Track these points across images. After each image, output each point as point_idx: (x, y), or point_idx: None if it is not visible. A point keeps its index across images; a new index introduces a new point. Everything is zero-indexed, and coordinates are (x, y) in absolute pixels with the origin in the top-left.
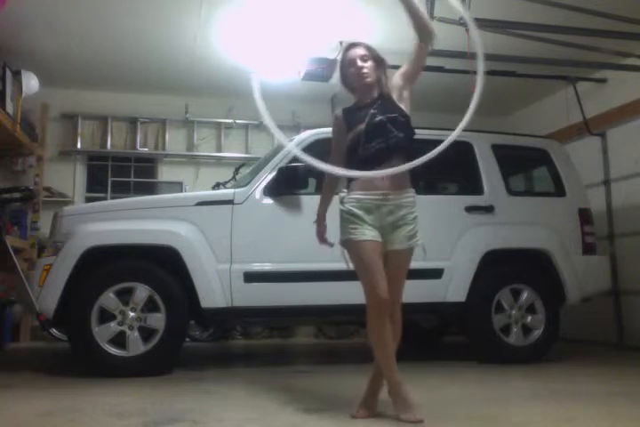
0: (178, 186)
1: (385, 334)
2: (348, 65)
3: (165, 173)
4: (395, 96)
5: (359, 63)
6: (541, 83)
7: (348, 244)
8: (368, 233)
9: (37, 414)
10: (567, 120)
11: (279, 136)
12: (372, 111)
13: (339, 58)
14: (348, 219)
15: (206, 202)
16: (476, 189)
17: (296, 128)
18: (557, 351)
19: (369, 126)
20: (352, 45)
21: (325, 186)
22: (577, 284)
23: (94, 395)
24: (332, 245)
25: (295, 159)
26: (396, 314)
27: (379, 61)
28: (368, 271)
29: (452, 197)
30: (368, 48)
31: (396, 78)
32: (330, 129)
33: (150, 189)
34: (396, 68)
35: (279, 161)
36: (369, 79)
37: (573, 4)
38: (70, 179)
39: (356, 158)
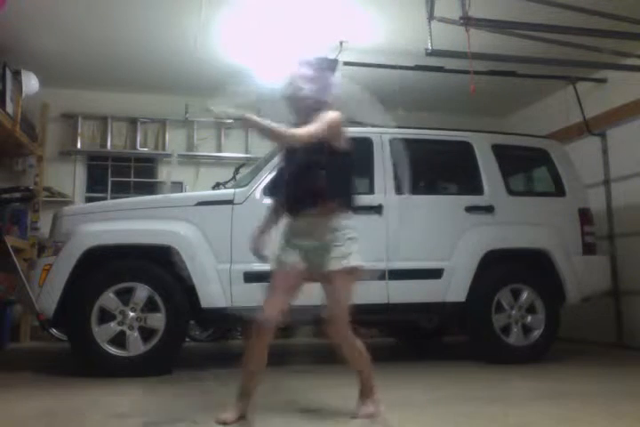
0: (178, 186)
1: (252, 352)
2: (291, 82)
3: (165, 173)
4: None
5: (300, 84)
6: (541, 83)
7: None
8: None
9: (37, 413)
10: (567, 120)
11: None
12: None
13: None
14: None
15: (206, 202)
16: (475, 189)
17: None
18: (557, 351)
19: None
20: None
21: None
22: (577, 284)
23: (94, 395)
24: (266, 258)
25: None
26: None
27: (323, 86)
28: None
29: (452, 197)
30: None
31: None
32: None
33: (150, 189)
34: (395, 67)
35: (279, 161)
36: (308, 101)
37: (573, 4)
38: (70, 179)
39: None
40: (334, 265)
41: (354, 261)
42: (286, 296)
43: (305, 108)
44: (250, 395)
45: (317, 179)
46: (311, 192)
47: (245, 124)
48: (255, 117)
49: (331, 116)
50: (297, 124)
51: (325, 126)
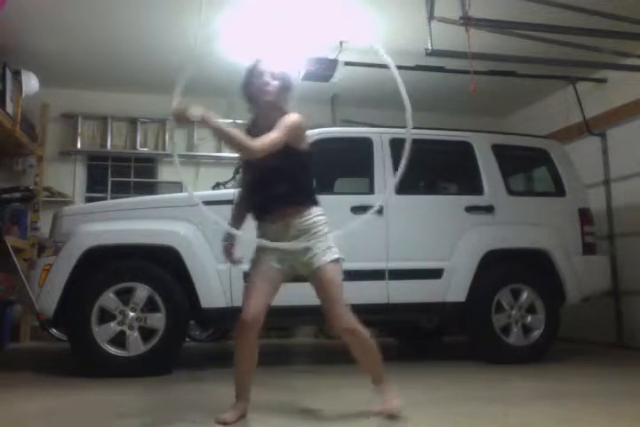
0: (178, 186)
1: (241, 352)
2: (255, 76)
3: (165, 173)
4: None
5: (266, 78)
6: (541, 83)
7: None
8: None
9: (38, 413)
10: (567, 120)
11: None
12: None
13: (259, 66)
14: None
15: (206, 202)
16: (476, 189)
17: None
18: (557, 351)
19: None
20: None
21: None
22: (577, 284)
23: (94, 395)
24: (239, 261)
25: None
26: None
27: (286, 86)
28: None
29: (452, 197)
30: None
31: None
32: (332, 129)
33: (150, 189)
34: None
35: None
36: (269, 97)
37: (573, 4)
38: (70, 179)
39: None
40: (319, 260)
41: (335, 254)
42: (265, 296)
43: (265, 104)
44: (246, 395)
45: (287, 183)
46: (283, 197)
47: (202, 124)
48: (215, 120)
49: (291, 119)
50: (255, 117)
51: (286, 132)
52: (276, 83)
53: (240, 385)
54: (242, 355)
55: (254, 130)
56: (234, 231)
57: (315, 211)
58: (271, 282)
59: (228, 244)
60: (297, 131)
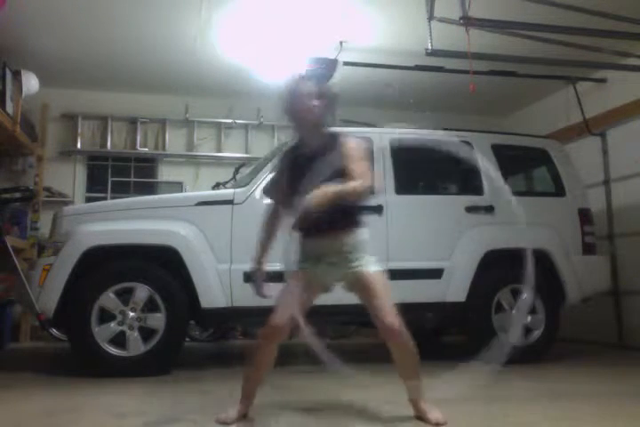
0: (178, 186)
1: (261, 355)
2: (296, 98)
3: (165, 173)
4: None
5: (308, 101)
6: (541, 83)
7: None
8: None
9: (37, 414)
10: (567, 120)
11: None
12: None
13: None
14: None
15: (206, 202)
16: (476, 189)
17: None
18: (557, 351)
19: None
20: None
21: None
22: (577, 284)
23: (94, 395)
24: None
25: None
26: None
27: (329, 103)
28: None
29: (452, 197)
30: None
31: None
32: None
33: (150, 189)
34: (395, 67)
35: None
36: (314, 119)
37: (573, 4)
38: (70, 179)
39: None
40: (366, 268)
41: (379, 267)
42: (299, 304)
43: (310, 125)
44: (252, 396)
45: (343, 204)
46: (337, 216)
47: (318, 207)
48: (324, 191)
49: (359, 148)
50: (301, 138)
51: (364, 161)
52: (318, 103)
53: (248, 386)
54: (260, 358)
55: (300, 151)
56: (263, 268)
57: (362, 231)
58: (308, 289)
59: (259, 278)
60: (365, 156)
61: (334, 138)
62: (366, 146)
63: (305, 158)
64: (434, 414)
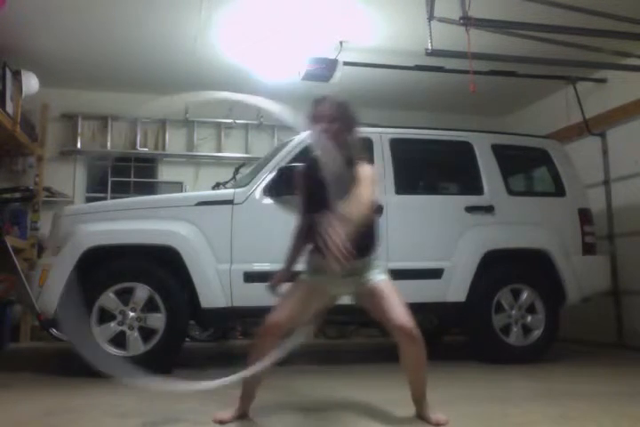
0: (178, 186)
1: (256, 354)
2: (315, 120)
3: (165, 173)
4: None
5: (324, 123)
6: (541, 83)
7: None
8: None
9: (37, 414)
10: (567, 120)
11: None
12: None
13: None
14: None
15: (206, 202)
16: (476, 189)
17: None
18: (557, 351)
19: None
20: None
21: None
22: (577, 284)
23: (94, 395)
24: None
25: (295, 159)
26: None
27: (346, 124)
28: None
29: (452, 197)
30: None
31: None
32: None
33: (150, 189)
34: (395, 67)
35: (279, 161)
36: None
37: (573, 4)
38: (70, 179)
39: None
40: (376, 278)
41: (385, 275)
42: (299, 308)
43: (337, 141)
44: (252, 396)
45: (370, 233)
46: (364, 246)
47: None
48: (345, 225)
49: (371, 174)
50: (320, 157)
51: (373, 187)
52: (334, 126)
53: (247, 386)
54: (256, 355)
55: (317, 170)
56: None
57: (376, 254)
58: (311, 297)
59: (278, 280)
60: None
61: (351, 161)
62: (375, 174)
63: (321, 178)
64: (435, 414)
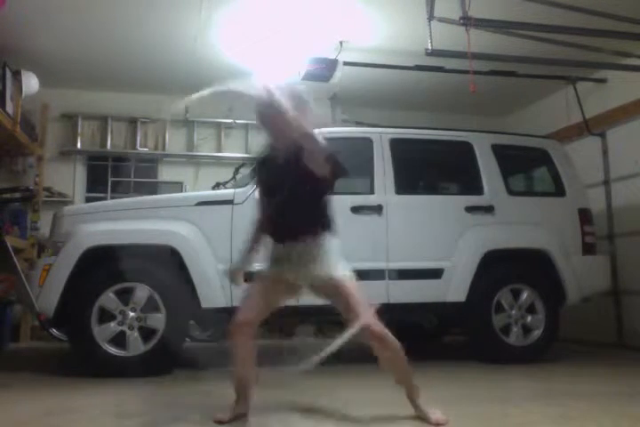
0: (178, 186)
1: (235, 352)
2: (266, 109)
3: (165, 173)
4: None
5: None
6: (541, 83)
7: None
8: None
9: (37, 414)
10: (567, 120)
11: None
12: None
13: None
14: None
15: (206, 202)
16: (476, 189)
17: None
18: (557, 351)
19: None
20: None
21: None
22: (577, 284)
23: (94, 395)
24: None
25: None
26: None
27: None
28: None
29: (452, 197)
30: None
31: None
32: (332, 129)
33: (150, 189)
34: (395, 67)
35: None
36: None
37: (573, 4)
38: (70, 179)
39: None
40: (333, 273)
41: (346, 270)
42: (265, 301)
43: (279, 133)
44: (246, 396)
45: (310, 209)
46: (304, 222)
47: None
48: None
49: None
50: (273, 146)
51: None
52: (289, 112)
53: (239, 386)
54: (236, 356)
55: (272, 159)
56: (247, 265)
57: (329, 237)
58: (275, 290)
59: (237, 271)
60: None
61: (301, 147)
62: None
63: (277, 165)
64: (434, 414)
